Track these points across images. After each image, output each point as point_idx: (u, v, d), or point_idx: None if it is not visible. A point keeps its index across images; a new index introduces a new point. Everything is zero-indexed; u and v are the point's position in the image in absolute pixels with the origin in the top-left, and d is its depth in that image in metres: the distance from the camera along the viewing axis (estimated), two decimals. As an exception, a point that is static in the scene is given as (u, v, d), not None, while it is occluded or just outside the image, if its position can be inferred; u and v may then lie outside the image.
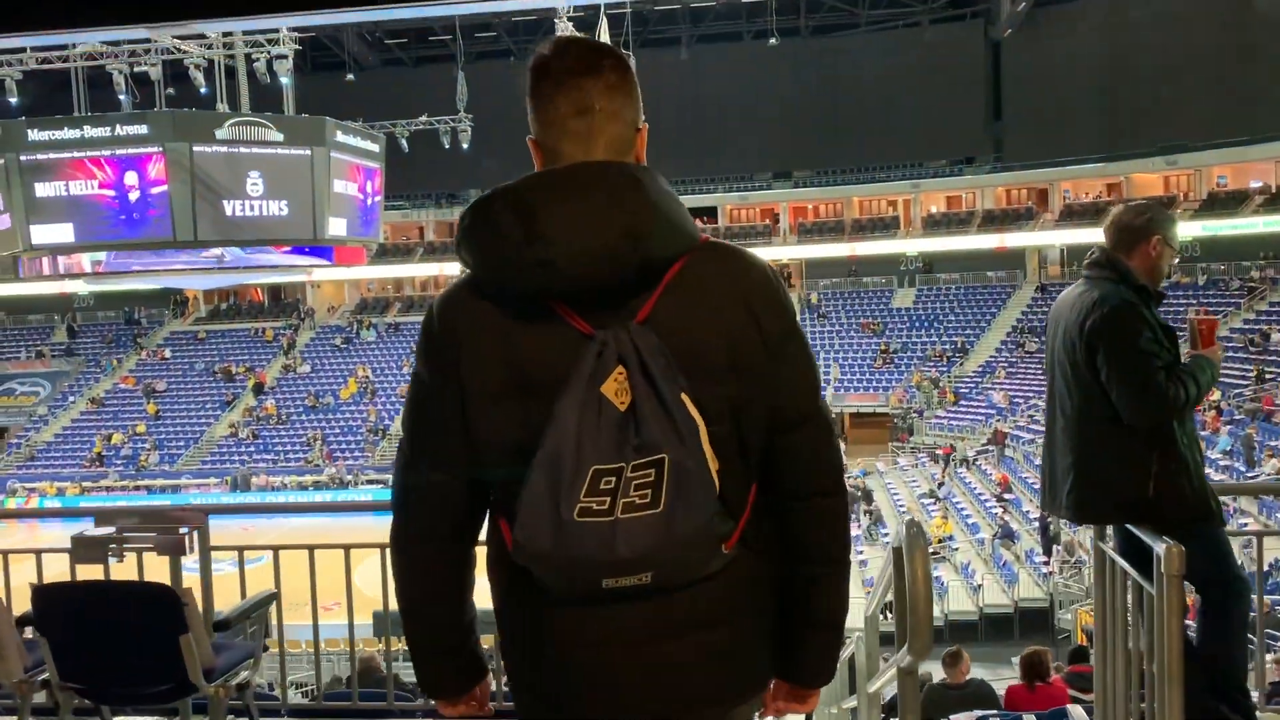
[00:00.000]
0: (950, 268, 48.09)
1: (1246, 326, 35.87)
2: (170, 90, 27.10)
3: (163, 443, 43.71)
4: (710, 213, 52.52)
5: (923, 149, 50.15)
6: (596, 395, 1.55)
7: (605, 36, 29.24)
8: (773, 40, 47.99)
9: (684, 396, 1.56)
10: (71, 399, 47.90)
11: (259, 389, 46.87)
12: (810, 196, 51.91)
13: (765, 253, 41.16)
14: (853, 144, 49.98)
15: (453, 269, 49.67)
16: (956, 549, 24.23)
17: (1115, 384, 3.28)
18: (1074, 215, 46.41)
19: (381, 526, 2.05)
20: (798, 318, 1.79)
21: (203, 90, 22.08)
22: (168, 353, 50.71)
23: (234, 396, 46.82)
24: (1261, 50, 40.38)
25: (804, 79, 50.86)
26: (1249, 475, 22.50)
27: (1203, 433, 27.01)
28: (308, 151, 20.64)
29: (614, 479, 1.52)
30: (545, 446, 1.55)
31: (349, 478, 39.34)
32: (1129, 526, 3.36)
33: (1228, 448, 25.23)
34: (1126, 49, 44.98)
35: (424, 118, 33.25)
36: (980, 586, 21.12)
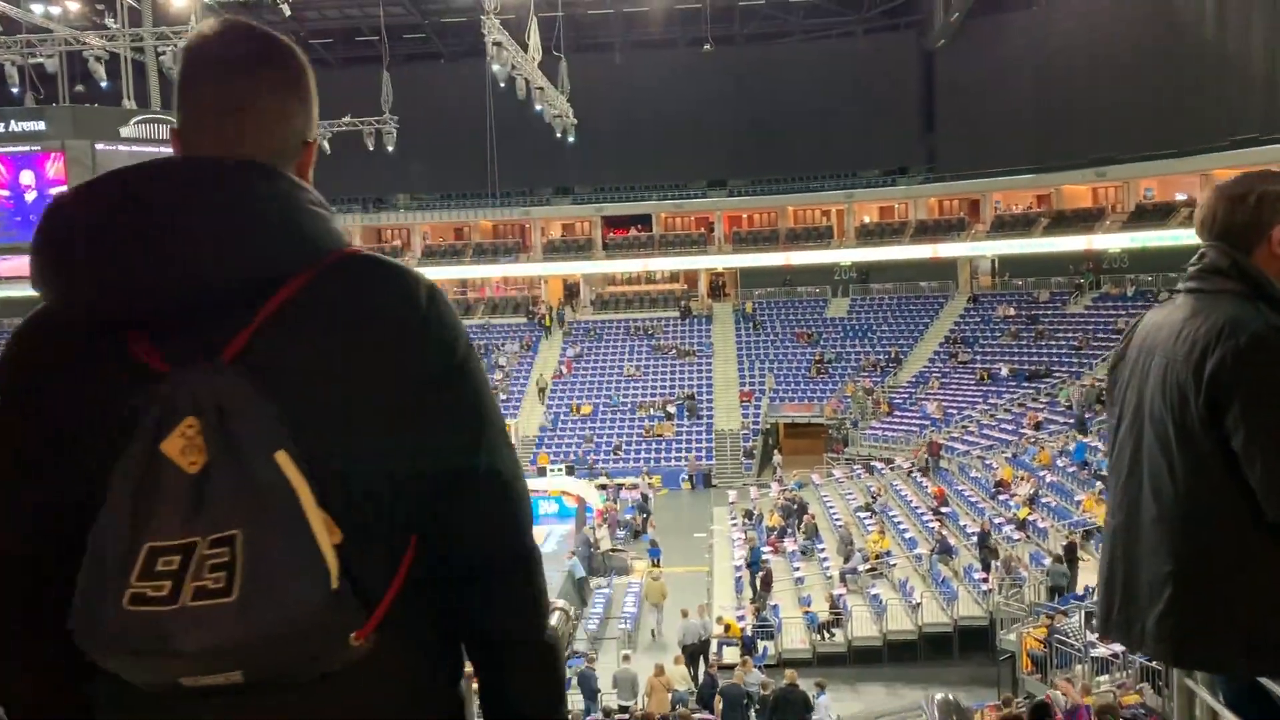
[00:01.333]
0: (884, 277, 48.15)
1: (1174, 338, 36.28)
2: (80, 87, 25.71)
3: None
4: (644, 220, 52.03)
5: (856, 159, 50.17)
6: (157, 455, 1.22)
7: (535, 40, 28.46)
8: (707, 47, 47.67)
9: (281, 456, 1.23)
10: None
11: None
12: (745, 205, 51.66)
13: (701, 261, 40.94)
14: (787, 153, 49.81)
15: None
16: (894, 565, 23.84)
17: (1259, 457, 2.04)
18: (1005, 226, 46.77)
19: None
20: (471, 354, 1.42)
21: (104, 85, 20.74)
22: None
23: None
24: (1188, 65, 41.06)
25: (739, 87, 50.57)
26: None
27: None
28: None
29: (178, 558, 1.21)
30: (98, 519, 1.25)
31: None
32: (1263, 681, 2.33)
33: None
34: (1057, 61, 45.48)
35: (347, 119, 32.12)
36: (919, 605, 20.72)
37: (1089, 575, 19.44)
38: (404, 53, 49.38)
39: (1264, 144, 37.11)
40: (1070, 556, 19.93)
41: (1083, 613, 15.88)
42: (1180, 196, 41.89)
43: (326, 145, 32.78)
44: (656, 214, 51.55)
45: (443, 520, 1.39)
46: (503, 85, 26.36)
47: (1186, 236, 38.68)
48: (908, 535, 25.99)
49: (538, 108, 29.49)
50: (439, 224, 53.86)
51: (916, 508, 28.31)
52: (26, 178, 18.29)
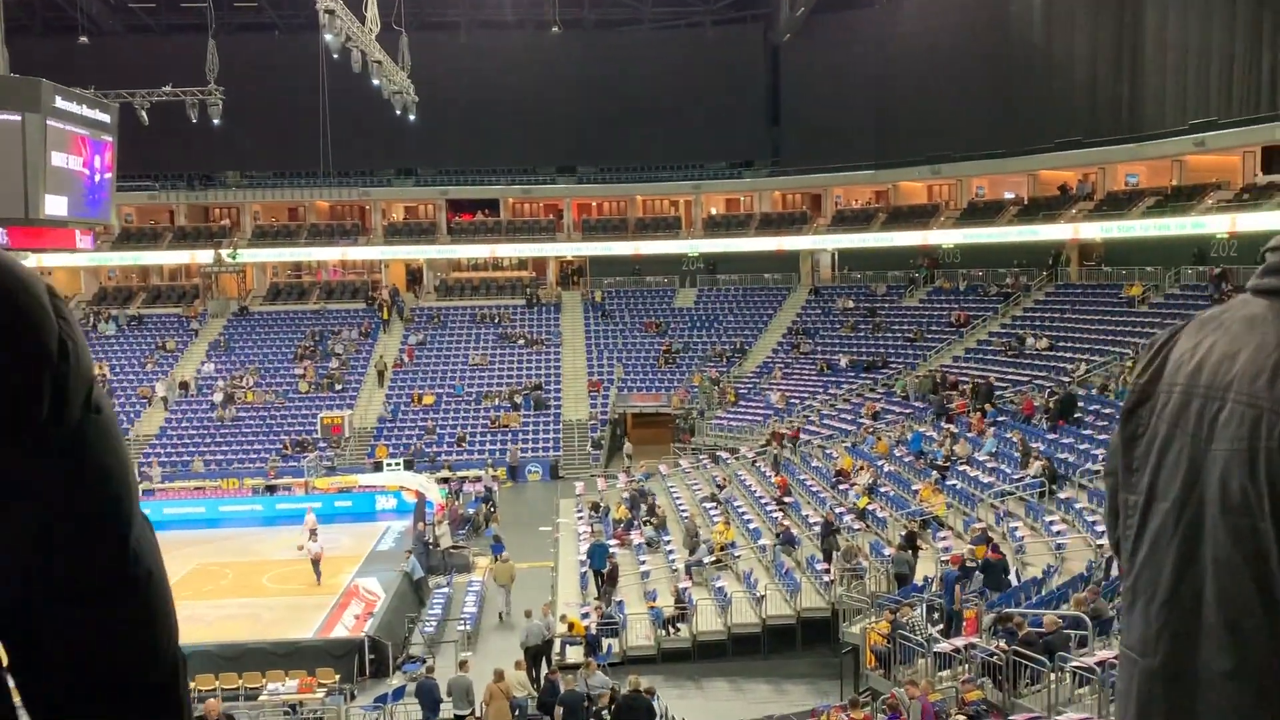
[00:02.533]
0: (730, 269, 48.49)
1: (1004, 330, 37.78)
2: None
3: None
4: (492, 205, 50.81)
5: (705, 150, 50.33)
6: None
7: (373, 11, 27.07)
8: (555, 29, 46.81)
9: None
10: None
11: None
12: (594, 193, 51.12)
13: (550, 248, 40.09)
14: (637, 141, 49.50)
15: (205, 256, 45.69)
16: (739, 556, 23.77)
17: None
18: (845, 220, 47.84)
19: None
20: (91, 384, 0.96)
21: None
22: None
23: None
24: (1018, 70, 42.79)
25: (587, 72, 49.93)
26: (1015, 477, 23.26)
27: (969, 435, 27.93)
28: (18, 117, 17.72)
29: None
30: None
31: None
32: None
33: (994, 450, 26.12)
34: (897, 61, 46.66)
35: (168, 88, 29.83)
36: (763, 597, 20.65)
37: (927, 566, 19.77)
38: (235, 21, 46.53)
39: (1086, 146, 39.07)
40: (911, 545, 20.21)
41: (924, 606, 16.02)
42: (1009, 195, 43.70)
43: (145, 116, 30.41)
44: (504, 199, 50.43)
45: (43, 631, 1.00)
46: (336, 57, 24.88)
47: (1014, 234, 40.48)
48: (752, 526, 26.02)
49: (375, 82, 28.04)
50: (272, 203, 51.14)
51: (760, 498, 28.42)
52: None
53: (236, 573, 27.30)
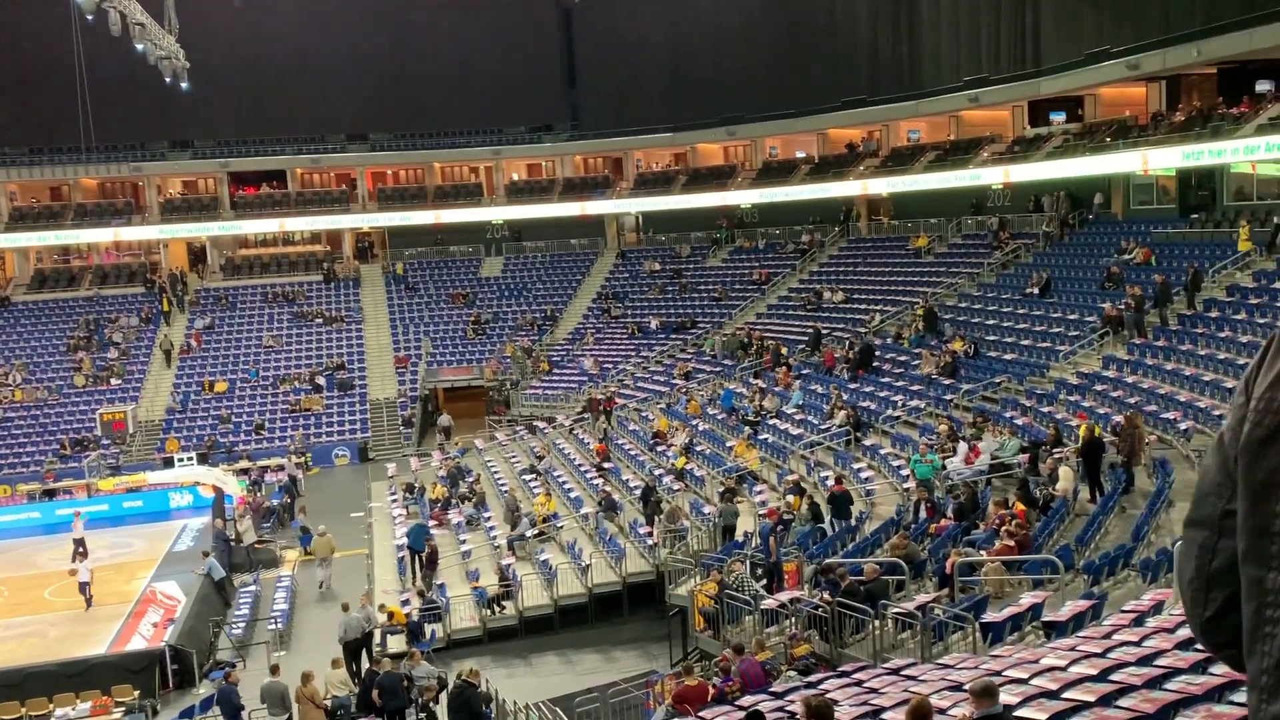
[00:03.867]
0: (536, 235, 47.85)
1: (802, 286, 38.94)
2: None
3: None
4: (279, 177, 48.09)
5: (503, 115, 49.34)
6: None
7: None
8: (335, -11, 44.58)
9: None
10: None
11: None
12: (388, 161, 49.19)
13: (344, 220, 38.45)
14: (432, 107, 47.99)
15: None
16: (561, 527, 23.52)
17: None
18: (647, 183, 48.03)
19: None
20: None
21: None
22: None
23: None
24: (805, 29, 43.91)
25: (374, 34, 47.91)
26: (822, 427, 23.96)
27: (776, 389, 28.63)
28: None
29: None
30: None
31: None
32: None
33: (800, 402, 26.87)
34: (690, 23, 46.99)
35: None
36: (589, 566, 20.48)
37: (745, 521, 20.08)
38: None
39: (870, 104, 40.59)
40: (731, 497, 20.41)
41: (748, 563, 16.22)
42: (800, 154, 44.96)
43: None
44: (291, 170, 47.78)
45: None
46: (90, 19, 22.65)
47: (808, 192, 41.72)
48: (574, 495, 25.81)
49: (139, 47, 25.75)
50: (30, 182, 46.53)
51: (580, 465, 28.25)
52: None
53: (13, 588, 24.90)
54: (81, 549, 24.25)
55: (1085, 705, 7.23)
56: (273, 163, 47.51)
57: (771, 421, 26.13)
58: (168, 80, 29.34)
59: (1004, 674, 8.69)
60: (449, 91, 47.91)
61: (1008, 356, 24.93)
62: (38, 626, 21.98)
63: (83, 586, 22.28)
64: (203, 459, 33.96)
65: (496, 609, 20.05)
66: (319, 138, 48.39)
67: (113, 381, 38.81)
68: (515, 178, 49.62)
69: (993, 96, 35.40)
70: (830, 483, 19.65)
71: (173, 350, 40.33)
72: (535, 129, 50.28)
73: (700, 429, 27.82)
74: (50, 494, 32.41)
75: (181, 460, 33.86)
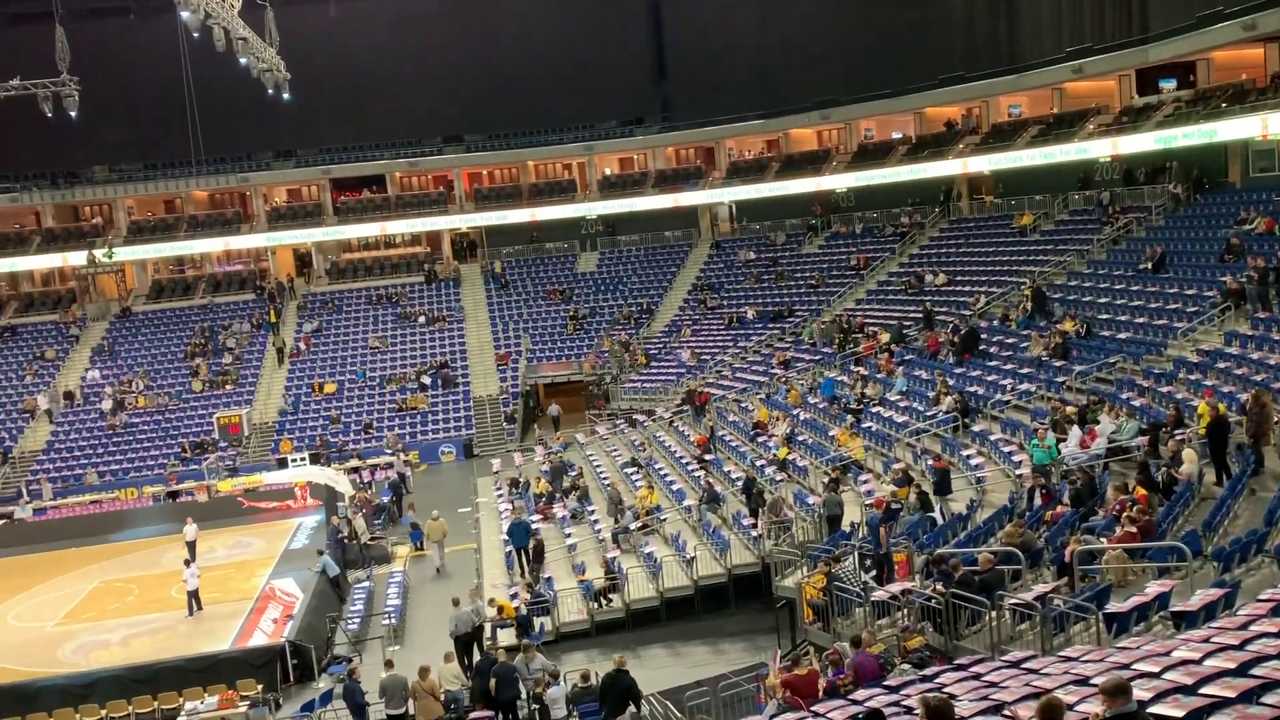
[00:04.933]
0: (630, 229, 48.01)
1: (902, 270, 38.13)
2: None
3: None
4: (378, 181, 49.19)
5: (594, 110, 49.63)
6: None
7: (235, -16, 25.58)
8: (427, -5, 45.34)
9: None
10: None
11: None
12: (483, 161, 49.87)
13: (443, 221, 39.20)
14: (524, 106, 48.55)
15: (78, 257, 43.43)
16: (665, 519, 23.51)
17: None
18: (740, 172, 47.66)
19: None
20: None
21: None
22: None
23: None
24: (897, 6, 42.98)
25: (467, 38, 48.73)
26: (928, 414, 23.41)
27: (878, 376, 28.09)
28: None
29: None
30: None
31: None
32: None
33: (904, 389, 26.29)
34: (778, 6, 46.42)
35: (16, 81, 27.81)
36: (694, 559, 20.41)
37: (851, 511, 19.74)
38: (84, 7, 43.76)
39: (969, 80, 39.51)
40: (836, 487, 20.06)
41: (856, 555, 15.94)
42: (897, 135, 44.03)
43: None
44: (390, 174, 48.83)
45: None
46: (197, 36, 23.45)
47: (905, 173, 40.82)
48: (675, 487, 25.78)
49: (243, 61, 26.57)
50: (146, 197, 48.58)
51: (681, 457, 28.19)
52: None
53: (143, 587, 26.04)
54: (191, 554, 25.00)
55: (1226, 701, 6.84)
56: (372, 168, 48.65)
57: (875, 409, 25.65)
58: (270, 92, 30.20)
59: (1133, 667, 8.31)
60: (540, 90, 48.39)
61: (1122, 335, 23.95)
62: (167, 623, 22.92)
63: (191, 595, 22.85)
64: (315, 459, 34.97)
65: (603, 602, 20.13)
66: (416, 141, 49.39)
67: (228, 386, 40.25)
68: (608, 172, 49.81)
69: (1098, 66, 34.06)
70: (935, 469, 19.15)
71: (285, 348, 41.61)
72: (626, 123, 50.38)
73: (801, 418, 27.47)
74: (173, 495, 33.78)
75: (295, 460, 34.93)
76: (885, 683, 10.83)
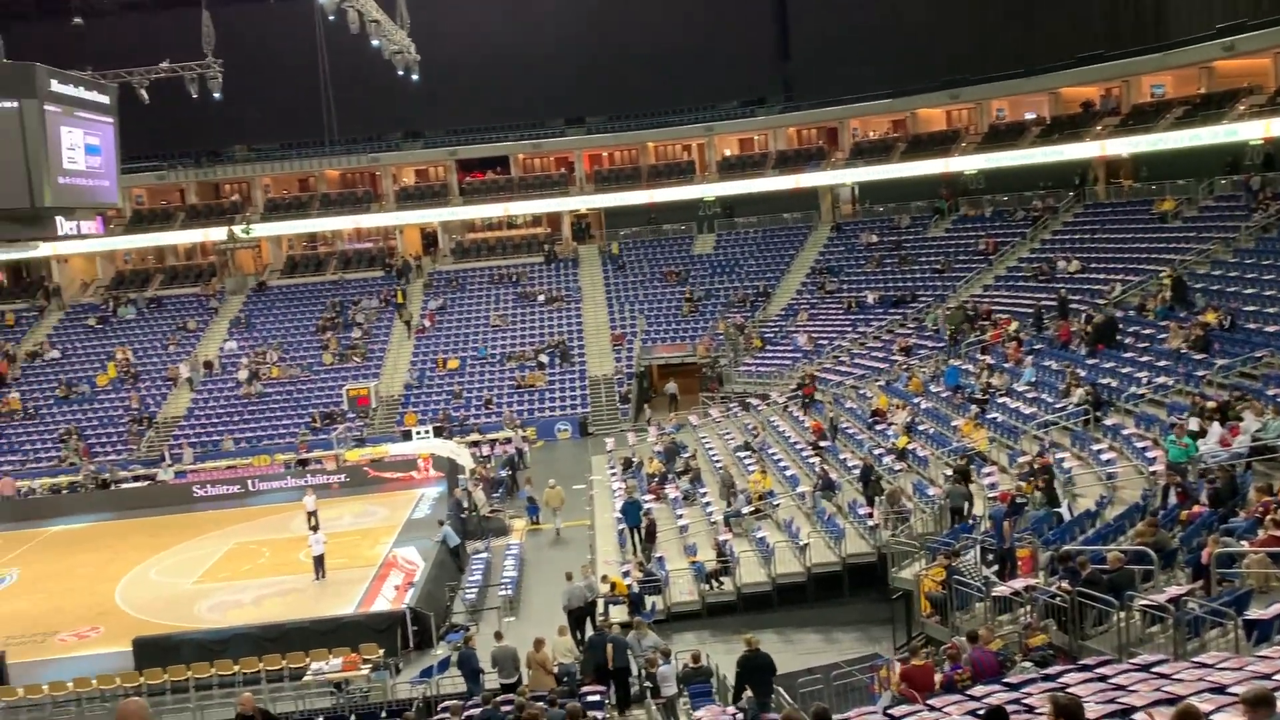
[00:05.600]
0: (748, 211, 47.65)
1: (1033, 256, 36.85)
2: None
3: (-119, 452, 37.77)
4: (502, 163, 50.01)
5: (714, 91, 49.35)
6: None
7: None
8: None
9: None
10: None
11: (-1, 381, 41.30)
12: (604, 143, 50.15)
13: (563, 203, 39.53)
14: (645, 87, 48.59)
15: (219, 233, 45.34)
16: (778, 505, 23.37)
17: None
18: (863, 153, 46.73)
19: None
20: None
21: None
22: (-116, 346, 43.94)
23: (-32, 392, 41.02)
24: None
25: (590, 20, 48.95)
26: (1057, 406, 22.61)
27: (1005, 365, 27.25)
28: (14, 104, 17.18)
29: None
30: None
31: (105, 475, 35.01)
32: None
33: (1033, 379, 25.45)
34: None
35: (165, 64, 29.15)
36: (807, 545, 20.24)
37: (976, 503, 19.22)
38: (228, -8, 45.57)
39: (1108, 59, 37.80)
40: (964, 478, 19.48)
41: (978, 549, 15.54)
42: (1030, 116, 42.47)
43: (145, 95, 29.77)
44: (514, 155, 49.59)
45: None
46: (332, 18, 24.17)
47: (1039, 155, 39.35)
48: (789, 473, 25.58)
49: (375, 42, 27.27)
50: (282, 175, 50.54)
51: (795, 443, 27.94)
52: None
53: (274, 550, 27.22)
54: (314, 521, 26.00)
55: (1379, 719, 6.44)
56: (497, 149, 49.48)
57: (1001, 400, 24.91)
58: (400, 74, 30.92)
59: (1275, 678, 7.91)
60: (661, 70, 48.40)
61: (1270, 328, 22.64)
62: (295, 585, 23.93)
63: (317, 560, 23.82)
64: (438, 432, 35.94)
65: (715, 584, 20.14)
66: (539, 123, 49.99)
67: (356, 359, 41.63)
68: (727, 153, 49.51)
69: (1251, 43, 32.09)
70: (1063, 463, 18.50)
71: (412, 321, 42.84)
72: (748, 103, 49.94)
73: (922, 407, 26.89)
74: (304, 463, 35.17)
75: (418, 433, 35.95)
76: (1005, 680, 10.56)
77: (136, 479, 34.92)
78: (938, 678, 11.24)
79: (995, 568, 14.72)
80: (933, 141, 44.76)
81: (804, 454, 26.51)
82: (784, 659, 16.93)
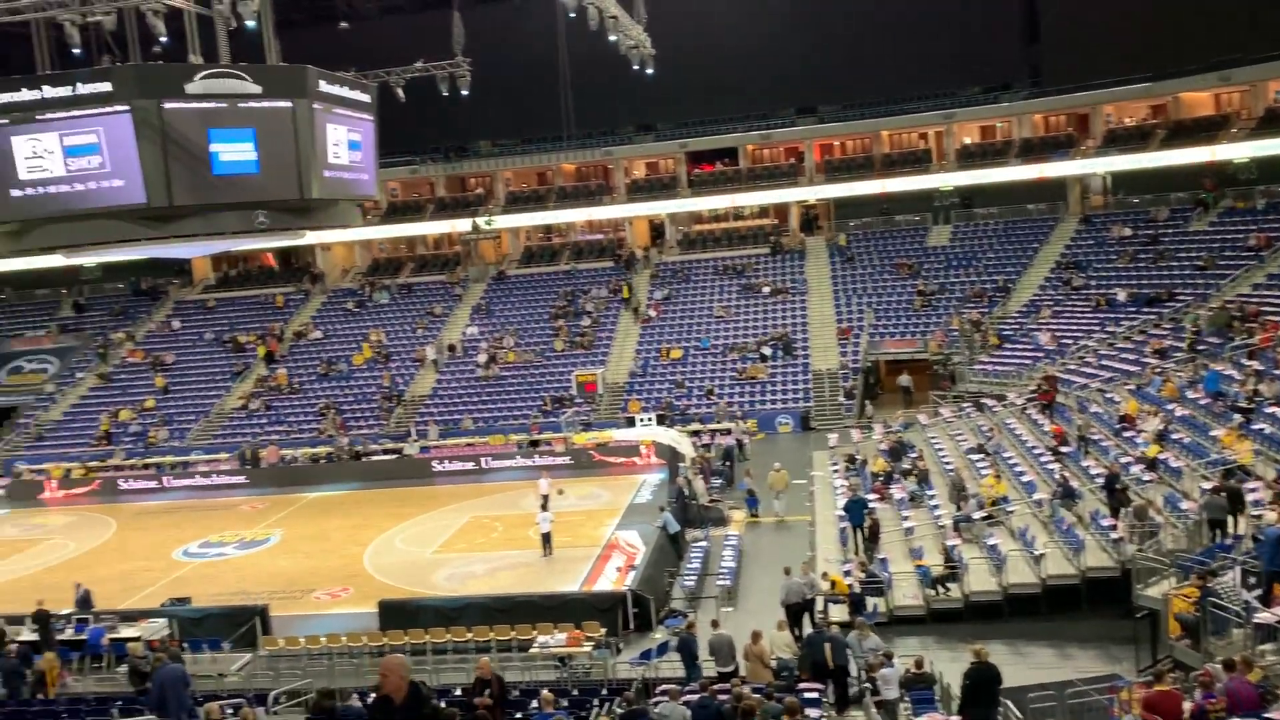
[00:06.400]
0: (988, 201, 45.59)
1: (1314, 253, 33.31)
2: (156, 47, 25.28)
3: (172, 418, 42.35)
4: (730, 154, 50.13)
5: (954, 77, 47.54)
6: None
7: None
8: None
9: None
10: (80, 375, 46.63)
11: (270, 358, 45.37)
12: (836, 132, 49.31)
13: (792, 194, 39.13)
14: (880, 75, 47.35)
15: (464, 224, 47.82)
16: (1012, 511, 22.24)
17: None
18: (1118, 140, 43.71)
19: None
20: None
21: (163, 40, 20.09)
22: (176, 324, 49.25)
23: (244, 367, 45.34)
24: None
25: (823, 6, 48.15)
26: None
27: (1276, 371, 24.78)
28: (289, 104, 18.73)
29: None
30: None
31: (359, 448, 37.78)
32: None
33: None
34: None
35: (419, 64, 31.02)
36: (1042, 556, 19.16)
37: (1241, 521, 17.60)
38: (477, -6, 48.00)
39: None
40: (1236, 501, 17.76)
41: (1238, 570, 14.22)
42: (1316, 97, 38.39)
43: (401, 93, 31.81)
44: (743, 146, 49.63)
45: None
46: (573, 15, 24.92)
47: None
48: (1025, 479, 24.29)
49: (612, 38, 27.92)
50: (521, 169, 52.84)
51: (1034, 448, 26.50)
52: (97, 138, 17.43)
53: (506, 525, 28.53)
54: (544, 503, 27.01)
55: None
56: (726, 141, 49.67)
57: (1270, 409, 22.66)
58: (635, 68, 31.52)
59: None
60: (896, 57, 47.06)
61: None
62: (524, 560, 24.99)
63: (545, 537, 24.84)
64: (660, 420, 36.55)
65: (941, 590, 19.44)
66: (769, 113, 49.75)
67: (585, 347, 42.95)
68: (967, 141, 47.53)
69: None
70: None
71: (640, 309, 43.79)
72: (990, 89, 47.75)
73: (1177, 414, 24.86)
74: (534, 444, 36.65)
75: (642, 420, 36.69)
76: (1265, 715, 9.62)
77: (385, 452, 37.52)
78: (1186, 706, 10.38)
79: (1258, 592, 13.41)
80: (1197, 127, 41.29)
81: (1042, 459, 25.11)
82: (1013, 672, 16.13)
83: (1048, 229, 43.82)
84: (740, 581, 22.13)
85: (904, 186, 45.69)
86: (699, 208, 49.91)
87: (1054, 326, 36.78)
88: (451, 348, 44.34)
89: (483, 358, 43.00)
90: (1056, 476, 22.83)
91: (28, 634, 20.00)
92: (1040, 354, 35.24)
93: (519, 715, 13.19)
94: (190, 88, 17.68)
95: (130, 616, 21.39)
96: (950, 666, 15.91)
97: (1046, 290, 40.06)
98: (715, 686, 13.68)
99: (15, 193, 15.31)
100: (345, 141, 20.88)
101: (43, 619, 20.41)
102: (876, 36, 47.37)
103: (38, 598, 21.36)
